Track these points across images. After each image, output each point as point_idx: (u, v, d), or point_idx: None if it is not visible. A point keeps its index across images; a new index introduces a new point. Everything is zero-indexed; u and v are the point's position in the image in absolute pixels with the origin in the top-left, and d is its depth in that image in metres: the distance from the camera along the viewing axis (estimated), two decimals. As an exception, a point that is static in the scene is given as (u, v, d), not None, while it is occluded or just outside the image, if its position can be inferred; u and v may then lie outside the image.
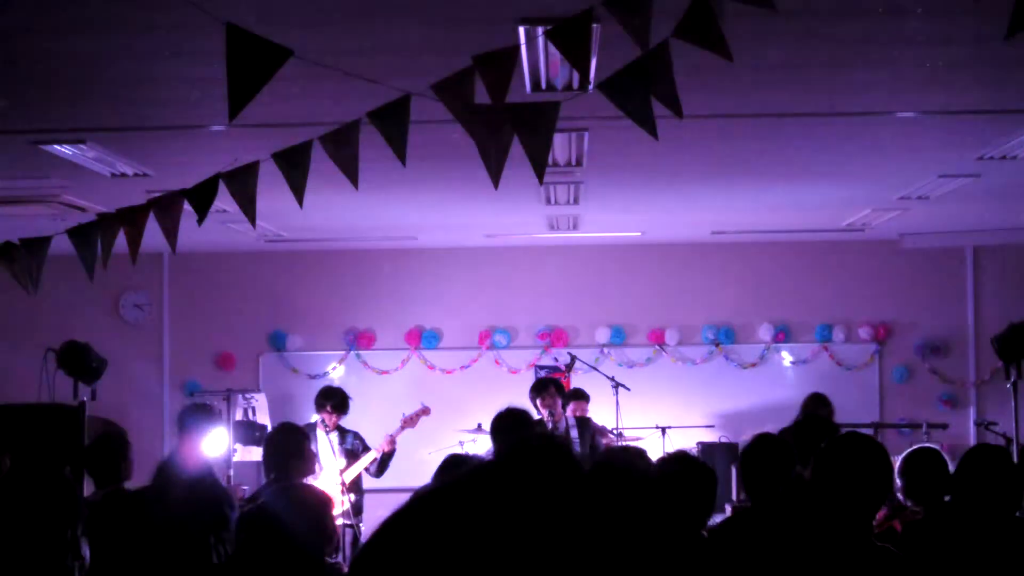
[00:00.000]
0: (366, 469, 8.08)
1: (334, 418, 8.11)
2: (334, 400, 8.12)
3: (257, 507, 4.26)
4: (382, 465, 8.14)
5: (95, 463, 5.68)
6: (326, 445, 7.96)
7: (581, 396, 9.16)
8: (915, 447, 5.12)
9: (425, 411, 8.68)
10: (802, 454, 5.17)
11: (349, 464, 8.00)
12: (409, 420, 8.49)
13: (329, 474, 7.80)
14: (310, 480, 7.23)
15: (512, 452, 0.85)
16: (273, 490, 5.04)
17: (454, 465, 4.42)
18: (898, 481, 4.87)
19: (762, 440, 4.70)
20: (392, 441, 8.17)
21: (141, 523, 4.98)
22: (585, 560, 0.76)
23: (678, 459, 4.09)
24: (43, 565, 4.01)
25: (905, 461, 4.93)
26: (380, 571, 0.80)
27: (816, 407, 8.76)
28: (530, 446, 0.86)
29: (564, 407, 8.69)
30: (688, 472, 3.83)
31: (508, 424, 5.79)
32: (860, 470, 3.35)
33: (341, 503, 7.75)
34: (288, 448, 5.76)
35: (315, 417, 8.28)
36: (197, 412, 6.70)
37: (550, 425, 8.33)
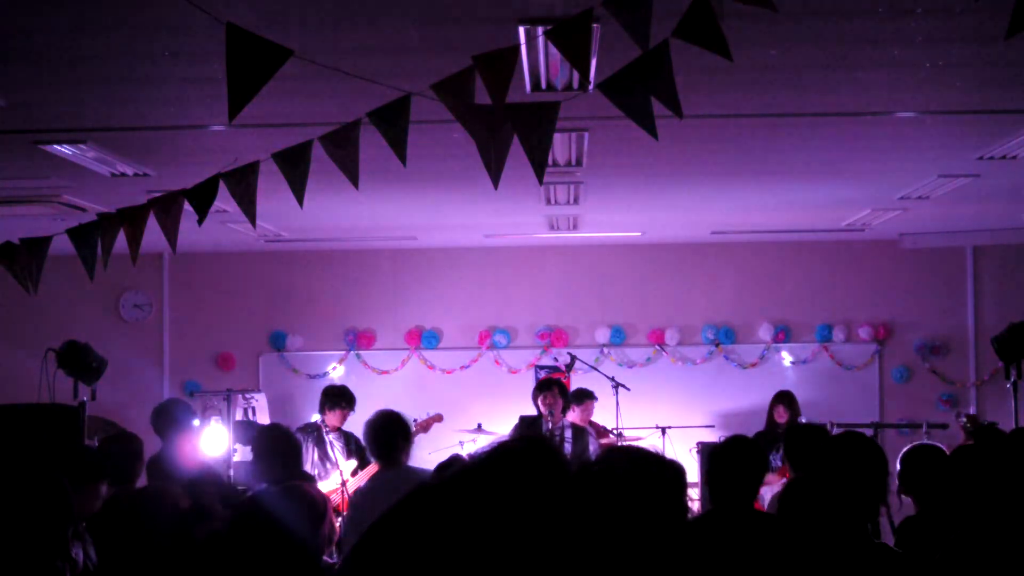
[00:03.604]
0: None
1: (346, 415, 8.09)
2: (347, 397, 8.10)
3: (255, 507, 4.26)
4: None
5: (110, 462, 5.60)
6: (328, 446, 7.95)
7: (587, 396, 9.13)
8: (914, 444, 5.13)
9: (438, 418, 8.70)
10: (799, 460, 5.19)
11: (360, 466, 7.99)
12: (422, 426, 8.51)
13: (337, 475, 7.79)
14: (318, 482, 7.23)
15: (500, 453, 0.86)
16: (272, 490, 5.03)
17: (451, 467, 4.41)
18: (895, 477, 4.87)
19: (734, 443, 4.65)
20: None
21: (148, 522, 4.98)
22: (566, 556, 0.77)
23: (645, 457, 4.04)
24: (31, 567, 4.01)
25: (903, 457, 4.93)
26: (371, 568, 0.81)
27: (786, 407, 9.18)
28: (518, 447, 0.86)
29: (566, 408, 8.71)
30: (655, 470, 3.79)
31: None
32: (857, 469, 3.36)
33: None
34: (285, 452, 5.66)
35: (315, 417, 8.27)
36: (180, 405, 6.70)
37: (548, 425, 8.33)
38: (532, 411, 8.74)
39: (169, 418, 6.66)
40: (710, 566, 3.60)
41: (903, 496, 4.81)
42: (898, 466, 4.91)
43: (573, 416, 8.84)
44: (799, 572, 3.35)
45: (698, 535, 4.21)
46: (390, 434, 5.69)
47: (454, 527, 0.70)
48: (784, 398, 9.42)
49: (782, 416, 9.27)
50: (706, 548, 3.87)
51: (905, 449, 5.03)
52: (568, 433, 8.48)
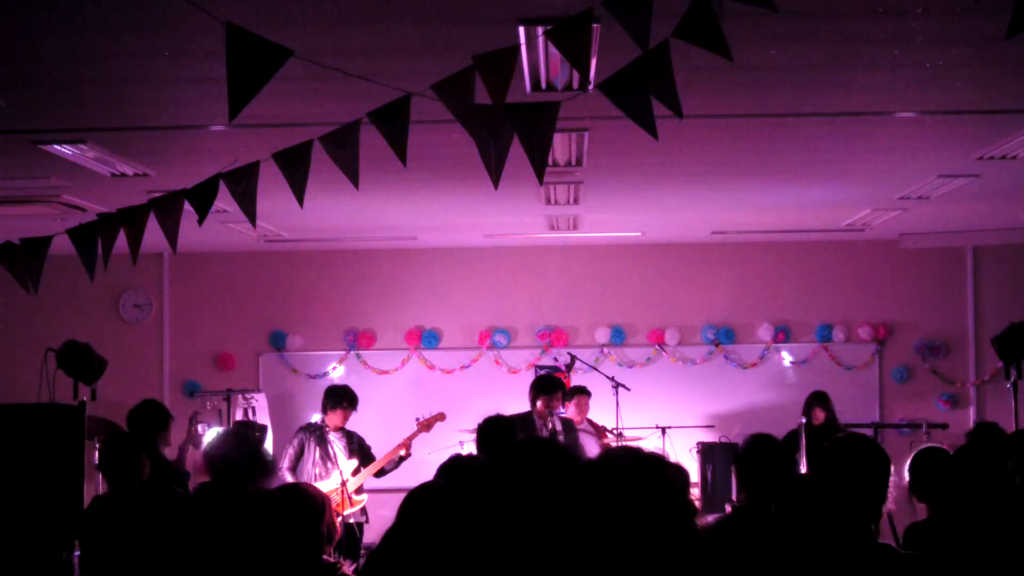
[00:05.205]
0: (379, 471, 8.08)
1: (347, 415, 8.08)
2: (348, 398, 8.09)
3: (257, 507, 4.26)
4: (395, 467, 8.15)
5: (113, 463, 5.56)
6: (329, 446, 7.95)
7: (578, 392, 9.16)
8: (924, 447, 5.14)
9: (440, 417, 8.67)
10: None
11: (361, 465, 7.99)
12: (424, 424, 8.50)
13: (337, 475, 7.79)
14: (318, 481, 7.24)
15: (514, 452, 0.86)
16: (273, 490, 5.03)
17: (455, 467, 4.43)
18: (906, 478, 4.88)
19: (759, 440, 4.69)
20: (408, 445, 8.14)
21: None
22: (579, 555, 0.77)
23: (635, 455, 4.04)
24: (40, 559, 4.01)
25: (913, 462, 4.94)
26: (391, 569, 0.81)
27: (818, 406, 9.28)
28: (530, 447, 0.86)
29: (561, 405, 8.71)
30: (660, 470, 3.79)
31: (493, 432, 5.95)
32: (859, 471, 3.36)
33: (353, 503, 7.75)
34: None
35: (316, 417, 8.27)
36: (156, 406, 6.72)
37: (546, 424, 8.30)
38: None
39: (150, 417, 6.69)
40: (719, 566, 3.60)
41: (916, 501, 4.80)
42: (907, 471, 4.91)
43: (568, 414, 8.84)
44: (804, 573, 3.35)
45: (733, 531, 4.21)
46: (496, 439, 5.85)
47: (464, 529, 0.70)
48: (819, 400, 9.51)
49: (818, 419, 9.35)
50: (718, 549, 3.87)
51: (914, 453, 5.03)
52: (559, 426, 8.47)
